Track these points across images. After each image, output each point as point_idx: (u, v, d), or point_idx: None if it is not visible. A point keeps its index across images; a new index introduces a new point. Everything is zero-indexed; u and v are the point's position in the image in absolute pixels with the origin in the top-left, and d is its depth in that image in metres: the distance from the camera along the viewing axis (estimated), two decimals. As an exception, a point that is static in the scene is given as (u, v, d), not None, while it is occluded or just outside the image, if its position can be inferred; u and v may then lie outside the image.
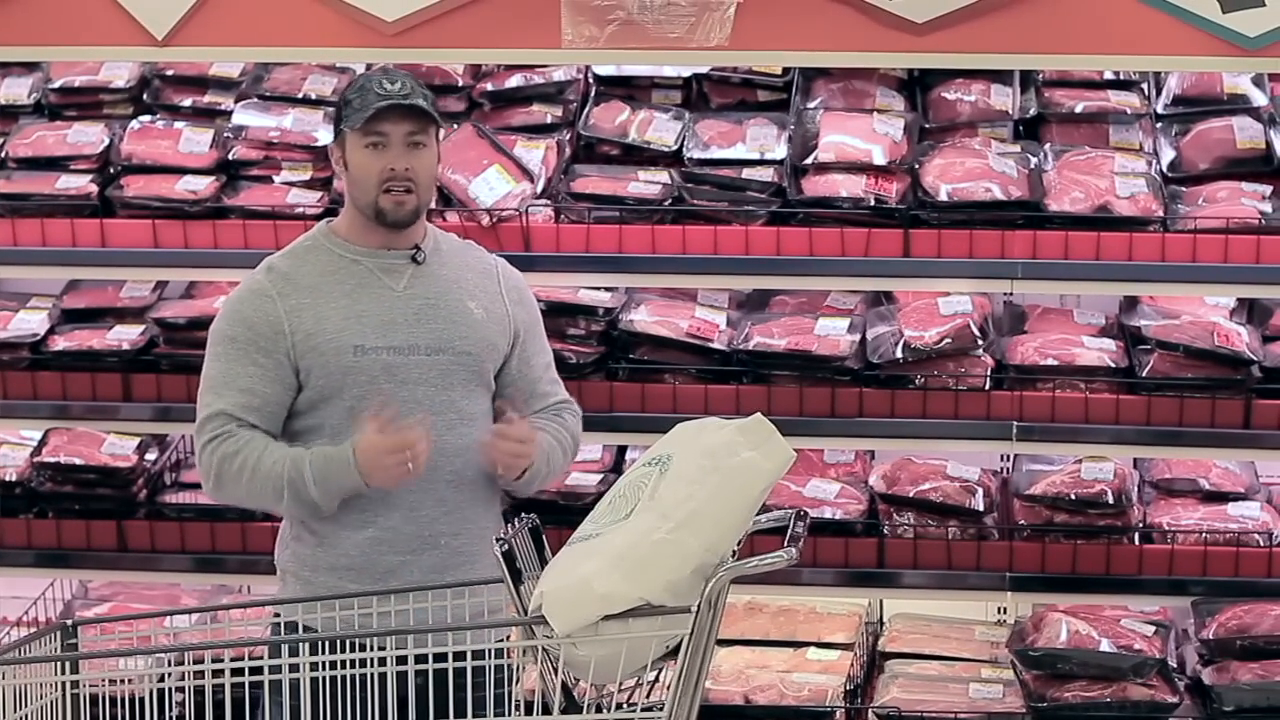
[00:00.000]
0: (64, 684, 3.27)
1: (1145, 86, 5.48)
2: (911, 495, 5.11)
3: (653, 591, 3.08)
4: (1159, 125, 5.43)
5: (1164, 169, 5.26)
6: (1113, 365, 5.09)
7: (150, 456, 5.42)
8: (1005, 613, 5.41)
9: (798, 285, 5.31)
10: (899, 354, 5.06)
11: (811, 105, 5.40)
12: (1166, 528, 5.06)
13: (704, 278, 5.23)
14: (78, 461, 5.32)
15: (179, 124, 5.50)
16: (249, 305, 3.95)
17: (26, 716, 3.22)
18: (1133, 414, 5.01)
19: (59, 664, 3.29)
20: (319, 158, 5.39)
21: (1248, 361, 5.01)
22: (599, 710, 3.20)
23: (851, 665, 5.11)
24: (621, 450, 5.40)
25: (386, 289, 3.97)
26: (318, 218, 4.86)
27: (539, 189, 5.23)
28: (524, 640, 3.23)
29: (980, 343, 5.10)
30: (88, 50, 5.22)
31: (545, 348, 4.19)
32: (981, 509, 5.10)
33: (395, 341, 3.93)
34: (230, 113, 5.53)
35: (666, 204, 5.18)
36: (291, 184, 5.35)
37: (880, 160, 5.16)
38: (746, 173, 5.24)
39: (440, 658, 3.22)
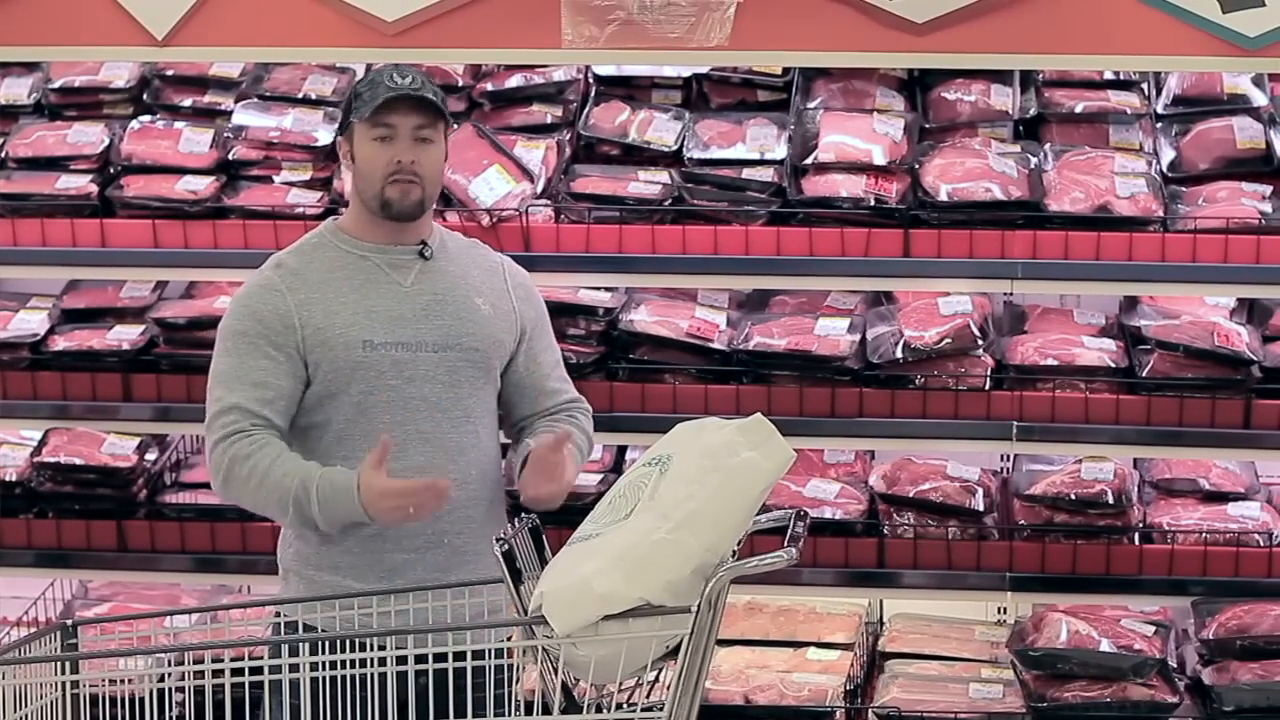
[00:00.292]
0: (64, 684, 3.26)
1: (1145, 86, 5.48)
2: (911, 495, 5.11)
3: (653, 591, 3.08)
4: (1159, 125, 5.43)
5: (1164, 169, 5.26)
6: (1113, 365, 5.08)
7: (150, 456, 5.42)
8: (1005, 613, 5.40)
9: (798, 285, 5.31)
10: (899, 354, 5.06)
11: (811, 105, 5.40)
12: (1166, 528, 5.06)
13: (704, 278, 5.22)
14: (78, 461, 5.32)
15: (179, 124, 5.49)
16: (259, 299, 3.93)
17: (26, 716, 3.22)
18: (1133, 414, 5.01)
19: (59, 664, 3.29)
20: (319, 158, 5.38)
21: (1248, 361, 5.01)
22: (599, 710, 3.20)
23: (851, 665, 5.11)
24: (621, 450, 5.40)
25: (394, 284, 3.95)
26: (318, 218, 4.87)
27: (539, 189, 5.23)
28: (524, 640, 3.23)
29: (980, 343, 5.09)
30: (88, 50, 5.22)
31: (553, 345, 4.18)
32: (981, 509, 5.10)
33: (404, 337, 3.91)
34: (230, 113, 5.52)
35: (666, 204, 5.18)
36: (291, 184, 5.35)
37: (880, 160, 5.16)
38: (746, 173, 5.23)
39: (441, 658, 3.22)
